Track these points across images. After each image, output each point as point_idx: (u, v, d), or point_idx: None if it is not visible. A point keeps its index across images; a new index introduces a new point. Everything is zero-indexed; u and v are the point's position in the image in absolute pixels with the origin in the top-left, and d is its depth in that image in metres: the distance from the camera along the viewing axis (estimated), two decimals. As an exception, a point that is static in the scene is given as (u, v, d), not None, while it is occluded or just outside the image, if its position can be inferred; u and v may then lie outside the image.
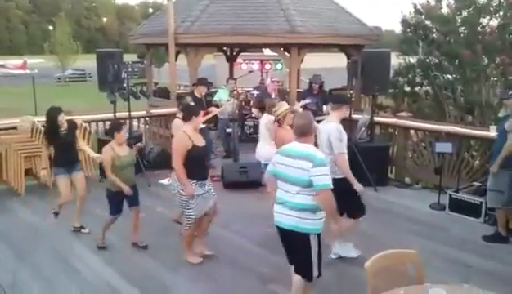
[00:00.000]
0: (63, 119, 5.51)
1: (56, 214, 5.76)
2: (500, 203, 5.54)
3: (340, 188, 4.47)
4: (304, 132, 3.63)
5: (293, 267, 3.91)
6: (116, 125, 5.33)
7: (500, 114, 5.99)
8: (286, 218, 3.59)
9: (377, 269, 3.10)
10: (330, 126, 4.72)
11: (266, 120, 6.24)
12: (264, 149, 6.20)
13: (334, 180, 4.46)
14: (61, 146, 5.54)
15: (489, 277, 4.65)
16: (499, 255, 5.21)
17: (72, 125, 5.68)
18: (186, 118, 4.91)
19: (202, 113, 5.57)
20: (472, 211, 6.25)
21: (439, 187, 6.85)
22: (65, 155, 5.57)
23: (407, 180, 8.10)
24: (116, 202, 5.15)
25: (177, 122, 5.81)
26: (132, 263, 5.05)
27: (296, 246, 3.65)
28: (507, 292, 3.00)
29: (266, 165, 6.44)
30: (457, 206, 6.42)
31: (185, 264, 4.99)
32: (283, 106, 5.56)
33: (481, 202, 6.17)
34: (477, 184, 6.76)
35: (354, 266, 4.72)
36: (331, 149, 4.65)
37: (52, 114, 5.49)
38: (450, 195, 6.53)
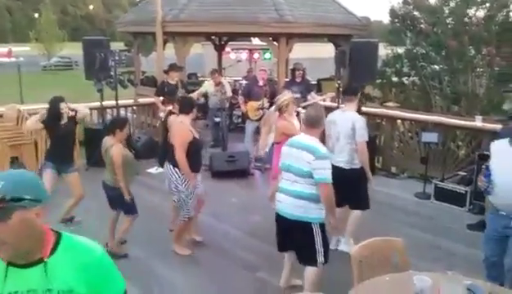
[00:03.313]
0: (65, 108, 5.30)
1: (71, 219, 5.62)
2: None
3: (357, 178, 4.73)
4: (313, 124, 3.70)
5: (286, 254, 3.97)
6: (119, 122, 5.01)
7: (506, 107, 6.02)
8: (287, 207, 3.65)
9: (363, 256, 3.15)
10: (352, 115, 4.72)
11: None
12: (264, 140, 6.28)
13: (352, 170, 4.71)
14: (58, 139, 5.33)
15: (473, 264, 4.71)
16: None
17: (72, 118, 5.44)
18: (183, 111, 4.83)
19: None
20: (457, 200, 6.34)
21: (425, 176, 6.93)
22: (59, 149, 5.33)
23: (394, 169, 8.18)
24: (122, 200, 4.83)
25: (174, 117, 5.49)
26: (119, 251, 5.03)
27: (299, 234, 3.68)
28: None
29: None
30: (442, 195, 6.50)
31: (173, 252, 5.01)
32: (285, 95, 5.50)
33: (466, 192, 6.26)
34: (462, 173, 6.87)
35: (340, 254, 4.78)
36: (352, 138, 4.65)
37: (54, 103, 5.28)
38: (435, 184, 6.61)
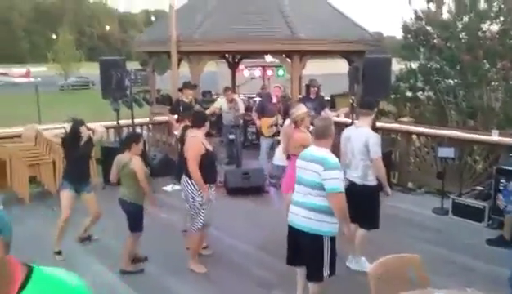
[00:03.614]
0: (84, 131, 5.39)
1: (88, 238, 5.73)
2: None
3: (369, 196, 4.70)
4: (322, 135, 3.75)
5: (299, 270, 3.98)
6: (134, 136, 5.20)
7: None
8: (300, 219, 3.69)
9: (380, 274, 3.12)
10: (366, 132, 4.69)
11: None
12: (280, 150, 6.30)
13: (365, 187, 4.68)
14: (75, 159, 5.37)
15: (492, 281, 4.64)
16: (503, 259, 5.19)
17: (89, 140, 5.52)
18: (195, 124, 4.98)
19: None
20: (475, 216, 6.26)
21: (442, 192, 6.86)
22: (76, 169, 5.35)
23: (410, 185, 8.11)
24: (141, 217, 4.96)
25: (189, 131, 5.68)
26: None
27: (309, 247, 3.71)
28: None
29: (282, 166, 6.57)
30: (460, 210, 6.43)
31: (187, 269, 5.00)
32: (301, 109, 5.51)
33: (484, 207, 6.18)
34: (480, 188, 6.78)
35: (354, 272, 4.75)
36: (366, 155, 4.62)
37: (75, 126, 5.35)
38: (453, 200, 6.54)
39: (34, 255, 5.36)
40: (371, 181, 4.69)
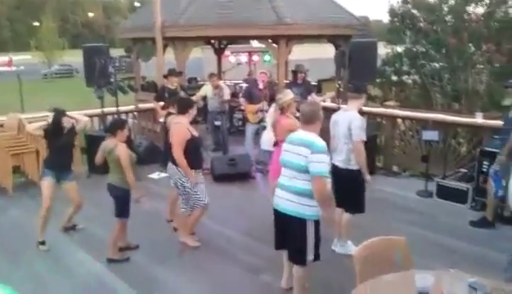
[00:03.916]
0: (67, 122, 5.30)
1: (73, 227, 5.69)
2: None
3: (352, 180, 4.67)
4: (310, 119, 3.72)
5: (285, 253, 4.00)
6: (119, 122, 5.19)
7: (507, 102, 6.01)
8: (284, 202, 3.70)
9: (365, 256, 3.14)
10: (351, 114, 4.65)
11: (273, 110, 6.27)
12: (269, 136, 6.25)
13: (348, 171, 4.67)
14: (57, 148, 5.28)
15: (476, 262, 4.72)
16: (485, 240, 5.29)
17: (72, 129, 5.42)
18: (181, 112, 5.02)
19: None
20: (459, 198, 6.33)
21: (426, 174, 6.92)
22: (58, 158, 5.28)
23: (395, 168, 8.17)
24: (128, 202, 4.91)
25: (172, 117, 5.61)
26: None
27: (292, 230, 3.71)
28: (493, 276, 3.06)
29: (268, 152, 6.57)
30: (444, 192, 6.49)
31: (174, 257, 5.01)
32: (288, 95, 5.46)
33: (467, 189, 6.25)
34: (463, 170, 6.86)
35: (339, 255, 4.79)
36: (350, 139, 4.58)
37: (57, 116, 5.26)
38: (437, 182, 6.60)
39: (17, 245, 5.34)
40: (354, 165, 4.65)
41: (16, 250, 5.24)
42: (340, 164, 4.69)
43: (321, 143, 3.59)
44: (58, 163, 5.29)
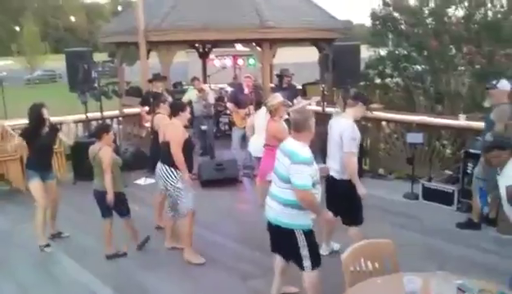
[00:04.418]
0: (47, 114, 5.27)
1: (58, 234, 5.59)
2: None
3: (346, 190, 4.46)
4: (299, 128, 3.60)
5: (277, 259, 3.94)
6: (105, 126, 5.25)
7: (486, 104, 6.06)
8: (273, 211, 3.64)
9: (354, 259, 3.16)
10: (344, 123, 4.44)
11: (263, 113, 6.27)
12: (258, 142, 6.29)
13: (342, 181, 4.48)
14: (40, 148, 5.23)
15: (463, 263, 4.77)
16: (472, 241, 5.35)
17: (54, 127, 5.44)
18: (174, 114, 4.95)
19: None
20: (445, 200, 6.39)
21: (412, 177, 6.98)
22: (41, 158, 5.28)
23: (381, 171, 8.21)
24: (125, 201, 5.09)
25: (160, 117, 5.75)
26: (108, 265, 4.99)
27: (283, 239, 3.67)
28: (480, 277, 3.10)
29: (257, 158, 6.55)
30: (430, 194, 6.55)
31: (163, 264, 4.97)
32: (276, 98, 5.48)
33: (453, 190, 6.32)
34: (448, 172, 6.93)
35: (331, 258, 4.80)
36: (340, 147, 4.41)
37: (36, 109, 5.22)
38: (423, 184, 6.66)
39: (3, 253, 5.24)
40: (347, 176, 4.47)
41: (2, 259, 5.15)
42: (335, 174, 4.50)
43: (304, 154, 3.46)
44: (43, 163, 5.29)
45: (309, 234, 3.60)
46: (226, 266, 4.96)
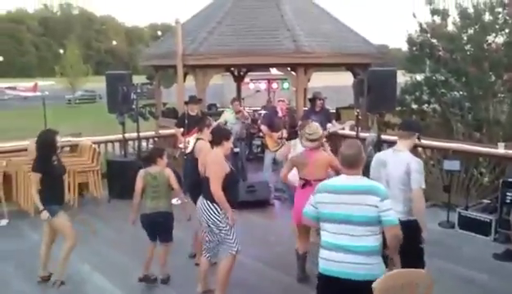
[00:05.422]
0: (60, 142, 5.00)
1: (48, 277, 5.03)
2: None
3: (413, 231, 3.89)
4: (354, 163, 3.22)
5: None
6: (159, 150, 5.09)
7: None
8: (354, 267, 3.08)
9: (386, 289, 3.09)
10: (407, 157, 4.03)
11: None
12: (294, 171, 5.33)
13: (409, 222, 3.88)
14: (58, 178, 4.85)
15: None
16: (510, 273, 5.15)
17: (58, 156, 5.05)
18: (216, 143, 4.47)
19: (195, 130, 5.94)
20: (482, 229, 6.20)
21: (448, 205, 6.81)
22: (60, 189, 4.89)
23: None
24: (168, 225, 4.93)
25: (202, 144, 5.25)
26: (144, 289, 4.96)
27: None
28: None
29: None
30: (467, 223, 6.37)
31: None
32: (319, 128, 4.93)
33: (491, 220, 6.12)
34: (486, 201, 6.73)
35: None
36: (407, 185, 3.97)
37: (51, 136, 4.82)
38: (459, 213, 6.49)
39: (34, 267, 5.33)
40: (410, 216, 4.01)
41: (36, 271, 5.21)
42: (400, 216, 3.51)
43: (384, 187, 3.23)
44: (61, 195, 4.95)
45: None
46: (256, 289, 4.92)
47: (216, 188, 4.25)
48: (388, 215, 3.06)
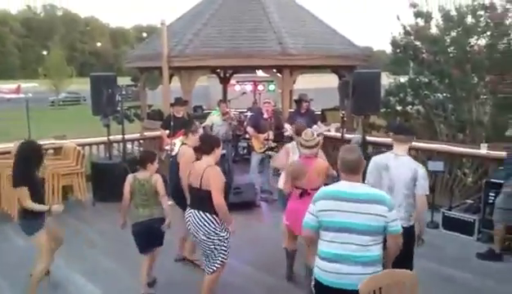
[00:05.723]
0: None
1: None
2: (506, 221, 5.55)
3: (410, 237, 3.89)
4: (356, 169, 3.13)
5: None
6: (151, 155, 4.83)
7: (508, 133, 5.99)
8: (354, 277, 3.00)
9: (371, 289, 3.11)
10: (411, 162, 4.00)
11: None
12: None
13: (410, 229, 3.91)
14: (41, 189, 4.61)
15: (483, 294, 4.66)
16: (493, 272, 5.23)
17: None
18: (207, 151, 4.34)
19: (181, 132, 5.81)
20: (465, 229, 6.28)
21: (432, 205, 6.87)
22: (44, 200, 4.59)
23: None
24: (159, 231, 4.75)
25: (185, 150, 5.21)
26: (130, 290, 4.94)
27: None
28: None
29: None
30: (451, 224, 6.45)
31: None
32: (314, 134, 4.85)
33: (474, 220, 6.21)
34: (469, 201, 6.82)
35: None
36: (412, 191, 3.93)
37: (37, 147, 4.59)
38: (443, 213, 6.57)
39: (23, 273, 5.27)
40: (413, 221, 4.03)
41: (19, 276, 5.13)
42: (401, 222, 3.35)
43: (388, 196, 3.17)
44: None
45: None
46: (242, 291, 4.92)
47: (221, 201, 4.11)
48: (395, 225, 3.04)
